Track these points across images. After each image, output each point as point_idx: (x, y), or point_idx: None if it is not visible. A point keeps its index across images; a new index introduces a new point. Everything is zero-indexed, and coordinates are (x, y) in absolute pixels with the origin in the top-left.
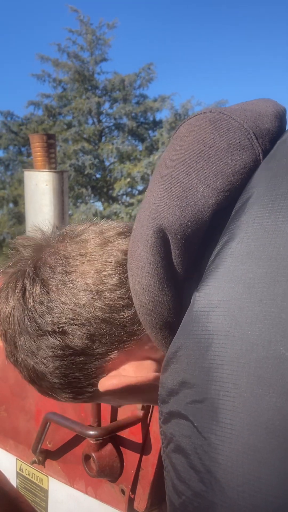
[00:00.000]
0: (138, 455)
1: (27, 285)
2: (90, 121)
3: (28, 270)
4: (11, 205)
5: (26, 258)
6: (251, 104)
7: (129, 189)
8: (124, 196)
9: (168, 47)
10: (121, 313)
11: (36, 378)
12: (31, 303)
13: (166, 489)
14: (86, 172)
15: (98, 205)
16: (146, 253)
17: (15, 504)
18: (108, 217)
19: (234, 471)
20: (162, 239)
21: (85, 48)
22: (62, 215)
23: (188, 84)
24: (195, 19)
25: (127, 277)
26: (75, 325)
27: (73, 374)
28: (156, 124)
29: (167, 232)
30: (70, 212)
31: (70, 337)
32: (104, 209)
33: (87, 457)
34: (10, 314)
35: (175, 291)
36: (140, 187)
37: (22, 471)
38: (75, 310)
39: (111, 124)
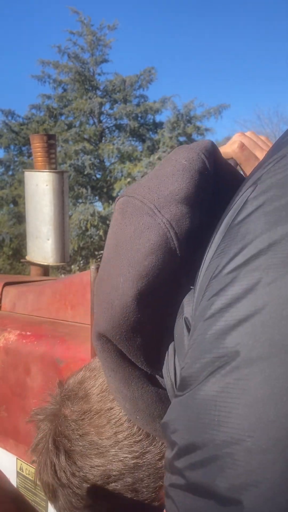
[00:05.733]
0: None
1: (54, 461)
2: (91, 122)
3: (49, 446)
4: (11, 205)
5: (45, 434)
6: (165, 163)
7: None
8: None
9: (169, 49)
10: (146, 454)
11: None
12: (65, 479)
13: None
14: (86, 172)
15: (98, 205)
16: (100, 359)
17: (15, 504)
18: (106, 217)
19: None
20: (107, 343)
21: (86, 49)
22: (62, 215)
23: (190, 86)
24: (197, 20)
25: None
26: (112, 482)
27: None
28: (157, 126)
29: (107, 336)
30: (70, 213)
31: (114, 497)
32: (104, 209)
33: None
34: (54, 493)
35: (146, 382)
36: None
37: (22, 471)
38: (106, 469)
39: (112, 124)
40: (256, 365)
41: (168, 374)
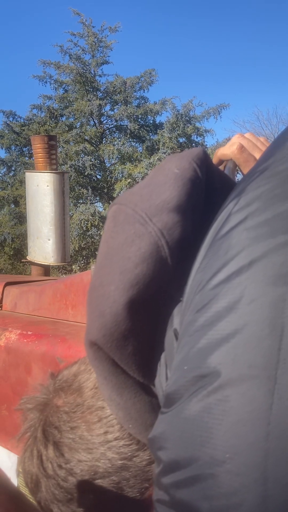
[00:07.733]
0: None
1: (42, 451)
2: (92, 123)
3: (38, 435)
4: (12, 205)
5: (33, 424)
6: (157, 172)
7: None
8: None
9: (169, 51)
10: (134, 458)
11: None
12: (51, 470)
13: None
14: (86, 173)
15: (99, 206)
16: (92, 367)
17: (15, 503)
18: (106, 217)
19: None
20: (99, 351)
21: (87, 50)
22: (63, 216)
23: (190, 87)
24: (197, 22)
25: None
26: (98, 479)
27: None
28: (157, 127)
29: (98, 344)
30: (70, 213)
31: (99, 493)
32: (105, 209)
33: None
34: (37, 483)
35: (139, 390)
36: None
37: None
38: (93, 465)
39: (112, 126)
40: (237, 386)
41: (160, 384)
